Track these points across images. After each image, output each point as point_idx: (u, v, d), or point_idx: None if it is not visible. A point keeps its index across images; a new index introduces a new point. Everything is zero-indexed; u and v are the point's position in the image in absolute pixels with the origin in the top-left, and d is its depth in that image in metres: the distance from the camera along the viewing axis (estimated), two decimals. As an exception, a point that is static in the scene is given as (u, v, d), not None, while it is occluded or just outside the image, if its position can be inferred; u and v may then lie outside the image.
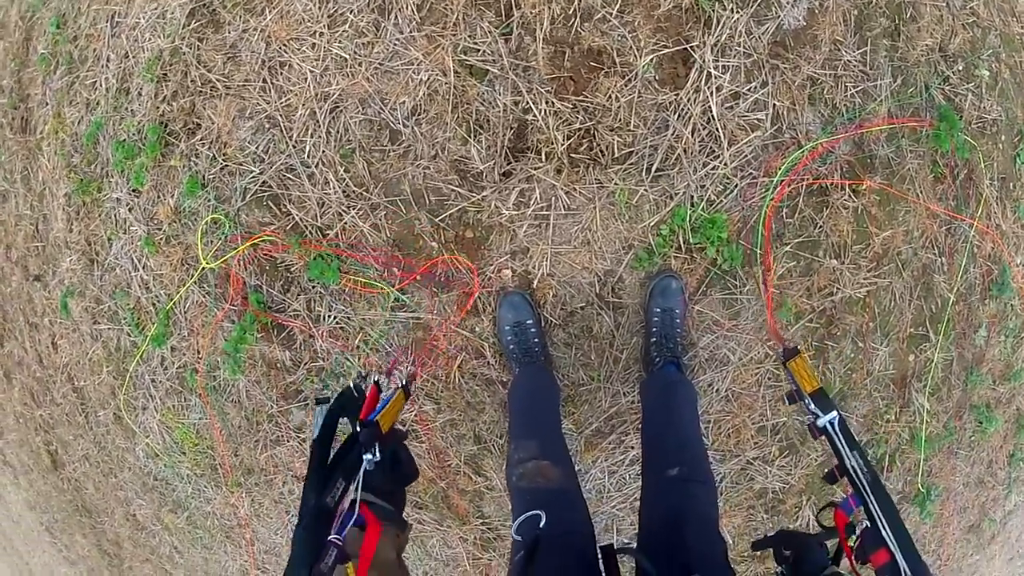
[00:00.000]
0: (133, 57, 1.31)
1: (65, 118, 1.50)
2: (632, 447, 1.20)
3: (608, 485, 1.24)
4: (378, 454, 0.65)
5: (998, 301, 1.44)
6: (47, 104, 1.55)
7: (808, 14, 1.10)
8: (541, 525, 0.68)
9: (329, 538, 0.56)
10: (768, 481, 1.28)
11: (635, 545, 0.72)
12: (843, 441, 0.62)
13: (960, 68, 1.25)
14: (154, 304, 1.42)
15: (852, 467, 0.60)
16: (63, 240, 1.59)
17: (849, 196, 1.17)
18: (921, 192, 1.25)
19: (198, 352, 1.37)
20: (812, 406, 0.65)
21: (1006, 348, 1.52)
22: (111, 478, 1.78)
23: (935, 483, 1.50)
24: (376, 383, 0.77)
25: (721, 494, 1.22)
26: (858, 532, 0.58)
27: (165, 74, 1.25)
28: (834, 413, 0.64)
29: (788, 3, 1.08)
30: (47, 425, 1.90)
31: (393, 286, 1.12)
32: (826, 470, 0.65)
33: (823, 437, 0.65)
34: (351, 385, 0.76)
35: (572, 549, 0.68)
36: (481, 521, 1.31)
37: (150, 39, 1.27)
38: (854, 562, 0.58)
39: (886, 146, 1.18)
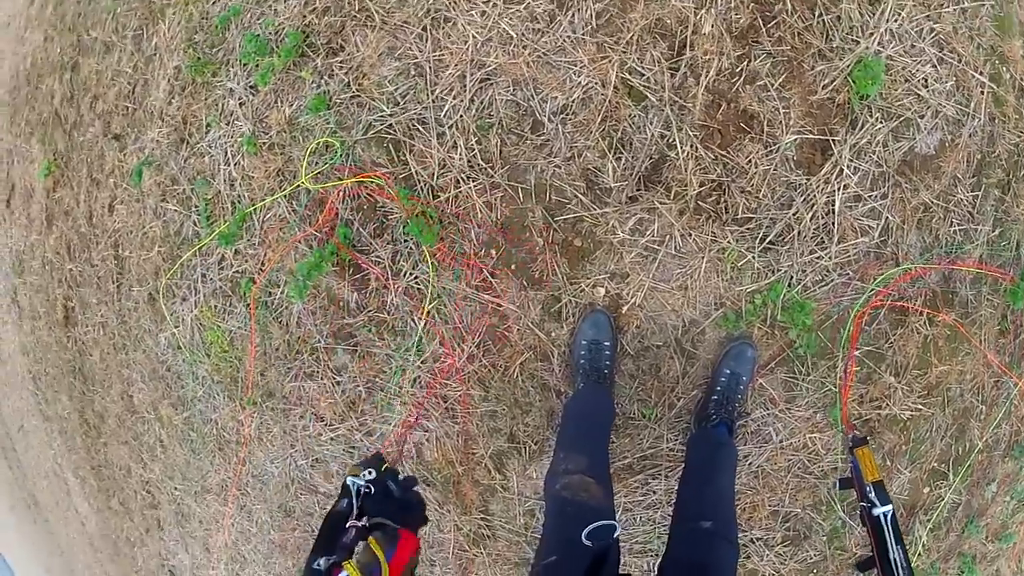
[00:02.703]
0: None
1: (201, -7, 1.49)
2: (654, 492, 1.19)
3: (617, 520, 1.27)
4: (373, 473, 0.62)
5: (1016, 462, 1.48)
6: (185, -28, 1.53)
7: (939, 144, 1.12)
8: (615, 535, 0.70)
9: (347, 524, 0.55)
10: (762, 563, 1.27)
11: None
12: (892, 533, 0.65)
13: None
14: (234, 203, 1.40)
15: (894, 559, 0.64)
16: (158, 110, 1.56)
17: (925, 323, 1.21)
18: (985, 340, 1.29)
19: (262, 264, 1.36)
20: (872, 495, 0.69)
21: (1007, 509, 1.56)
22: (121, 354, 1.75)
23: (904, 615, 1.55)
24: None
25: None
26: None
27: None
28: (890, 506, 0.67)
29: (926, 129, 1.10)
30: (74, 281, 1.86)
31: (486, 266, 1.14)
32: (863, 557, 0.66)
33: (867, 526, 0.67)
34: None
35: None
36: (482, 516, 1.29)
37: None
38: None
39: (969, 288, 1.20)
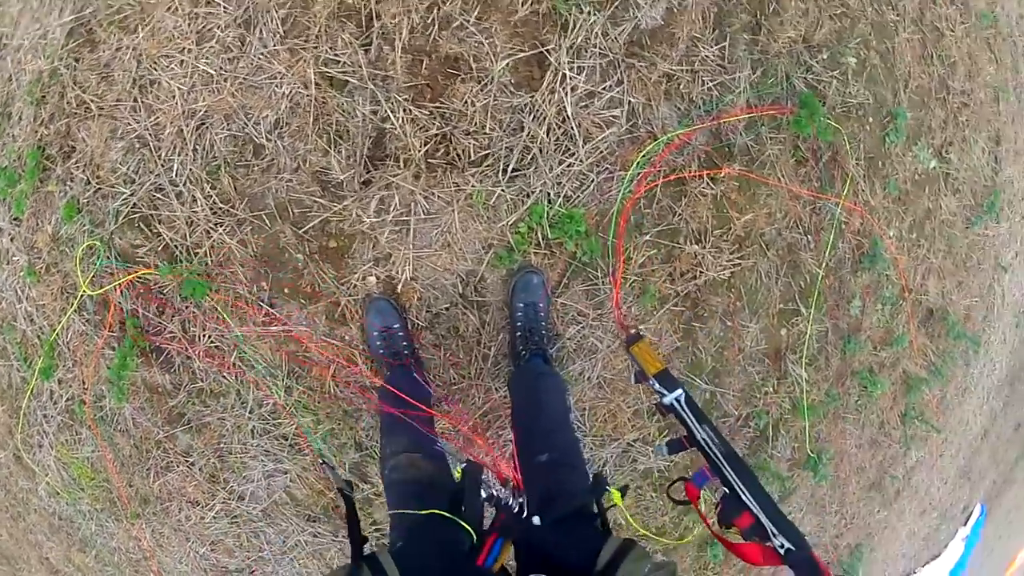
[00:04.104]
0: (16, 80, 1.26)
1: (-52, 147, 1.44)
2: (509, 441, 1.16)
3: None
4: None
5: (871, 272, 1.52)
6: (-70, 127, 1.49)
7: (666, 13, 1.11)
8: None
9: None
10: (652, 461, 1.29)
11: None
12: (691, 416, 0.64)
13: (825, 57, 1.27)
14: (39, 336, 1.36)
15: (703, 439, 0.62)
16: (-52, 275, 1.51)
17: (707, 184, 1.20)
18: (783, 176, 1.30)
19: (83, 383, 1.32)
20: (657, 386, 0.67)
21: (884, 315, 1.61)
22: (20, 522, 1.68)
23: (825, 447, 1.57)
24: (506, 505, 0.62)
25: (608, 477, 1.26)
26: (717, 500, 0.59)
27: (43, 96, 1.20)
28: (679, 391, 0.66)
29: (646, 3, 1.09)
30: (-49, 470, 1.80)
31: (263, 300, 1.13)
32: (669, 439, 0.66)
33: (671, 415, 0.66)
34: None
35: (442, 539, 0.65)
36: (375, 528, 1.27)
37: (32, 61, 1.23)
38: (713, 528, 0.60)
39: (744, 135, 1.20)
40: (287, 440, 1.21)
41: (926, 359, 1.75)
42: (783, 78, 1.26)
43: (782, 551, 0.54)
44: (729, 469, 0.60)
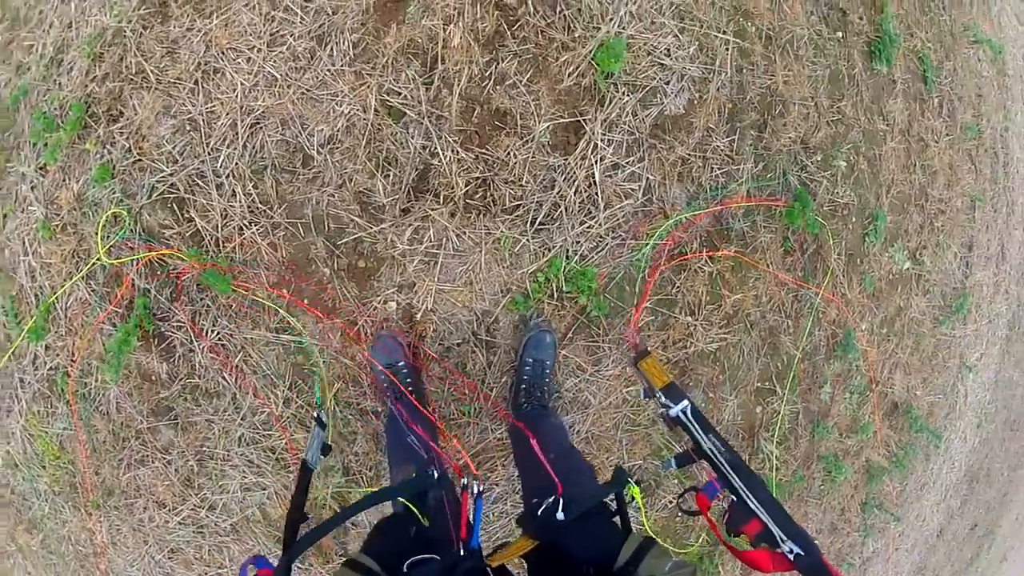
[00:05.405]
0: (76, 29, 1.22)
1: (-8, 73, 1.33)
2: (497, 484, 1.17)
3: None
4: None
5: (843, 361, 1.58)
6: (-23, 53, 1.37)
7: (688, 103, 1.19)
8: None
9: None
10: (632, 505, 1.30)
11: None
12: (697, 427, 0.61)
13: (819, 159, 1.36)
14: (37, 295, 1.27)
15: (709, 449, 0.59)
16: (-41, 212, 1.43)
17: (706, 261, 1.23)
18: (771, 262, 1.34)
19: (73, 354, 1.23)
20: (664, 399, 0.65)
21: (851, 404, 1.67)
22: (-35, 486, 1.54)
23: (790, 528, 1.58)
24: (465, 487, 0.61)
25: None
26: (725, 508, 0.57)
27: (102, 53, 1.17)
28: (685, 402, 0.64)
29: (673, 92, 1.16)
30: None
31: (281, 308, 1.08)
32: (677, 452, 0.63)
33: (679, 427, 0.64)
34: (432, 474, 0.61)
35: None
36: (345, 559, 1.23)
37: (97, 15, 1.19)
38: (723, 536, 0.57)
39: (742, 221, 1.26)
40: (274, 454, 1.13)
41: (888, 450, 1.80)
42: (781, 173, 1.33)
43: (792, 557, 0.51)
44: (736, 477, 0.57)
